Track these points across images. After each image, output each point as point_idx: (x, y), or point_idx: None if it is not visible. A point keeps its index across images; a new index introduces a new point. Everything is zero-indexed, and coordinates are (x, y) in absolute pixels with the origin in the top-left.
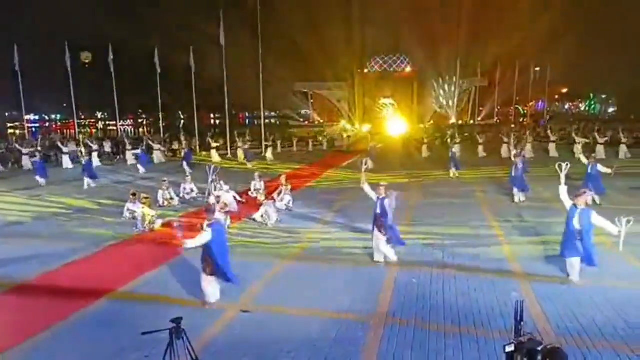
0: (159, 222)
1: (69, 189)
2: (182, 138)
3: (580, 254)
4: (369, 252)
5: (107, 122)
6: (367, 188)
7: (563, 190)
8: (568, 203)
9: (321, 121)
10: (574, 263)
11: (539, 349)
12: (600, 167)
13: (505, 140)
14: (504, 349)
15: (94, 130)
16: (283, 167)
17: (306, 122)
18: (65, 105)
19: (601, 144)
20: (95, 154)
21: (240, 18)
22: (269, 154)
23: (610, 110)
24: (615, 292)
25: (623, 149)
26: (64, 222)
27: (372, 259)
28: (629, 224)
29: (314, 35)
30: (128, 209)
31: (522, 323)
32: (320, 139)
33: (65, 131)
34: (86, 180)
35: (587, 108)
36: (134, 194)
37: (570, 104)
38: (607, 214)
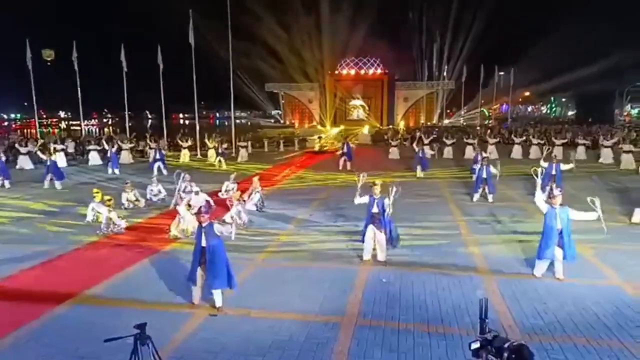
0: (124, 225)
1: (28, 190)
2: (151, 138)
3: (553, 257)
4: (340, 253)
5: (71, 122)
6: (359, 200)
7: (539, 195)
8: (544, 206)
9: (292, 122)
10: (545, 264)
11: (506, 346)
12: (563, 166)
13: (470, 141)
14: (470, 346)
15: (56, 130)
16: (255, 167)
17: (277, 123)
18: (25, 104)
19: (559, 145)
20: (61, 154)
21: (211, 17)
22: (242, 155)
23: (570, 113)
24: (574, 288)
25: (580, 150)
26: (23, 224)
27: (361, 259)
28: (598, 202)
29: (286, 36)
30: (93, 209)
31: (486, 320)
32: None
33: (25, 130)
34: (47, 181)
35: (548, 111)
36: (97, 193)
37: (533, 106)
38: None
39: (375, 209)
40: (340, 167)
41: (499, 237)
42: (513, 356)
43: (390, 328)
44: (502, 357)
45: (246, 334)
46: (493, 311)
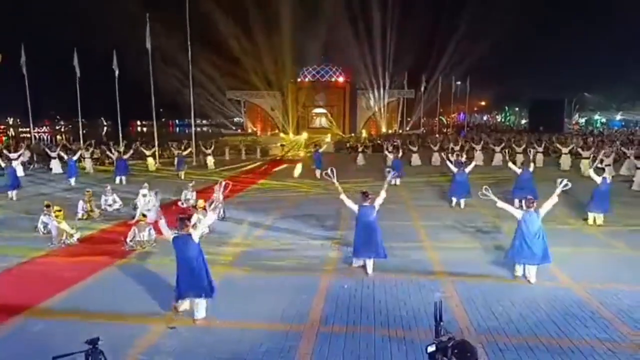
0: (77, 236)
1: None
2: (111, 146)
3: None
4: (301, 261)
5: (20, 129)
6: (345, 199)
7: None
8: (518, 212)
9: (255, 130)
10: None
11: (450, 345)
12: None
13: (435, 149)
14: (426, 350)
15: (4, 138)
16: (220, 176)
17: (239, 131)
18: None
19: (519, 152)
20: (17, 163)
21: (170, 22)
22: (210, 163)
23: (523, 121)
24: (527, 290)
25: (539, 158)
26: None
27: (350, 264)
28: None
29: (247, 43)
30: (42, 222)
31: (441, 323)
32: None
33: None
34: (10, 191)
35: (503, 119)
36: (47, 206)
37: (488, 115)
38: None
39: (370, 218)
40: (319, 176)
41: (457, 241)
42: (455, 351)
43: (352, 333)
44: (447, 355)
45: (205, 346)
46: (450, 313)
